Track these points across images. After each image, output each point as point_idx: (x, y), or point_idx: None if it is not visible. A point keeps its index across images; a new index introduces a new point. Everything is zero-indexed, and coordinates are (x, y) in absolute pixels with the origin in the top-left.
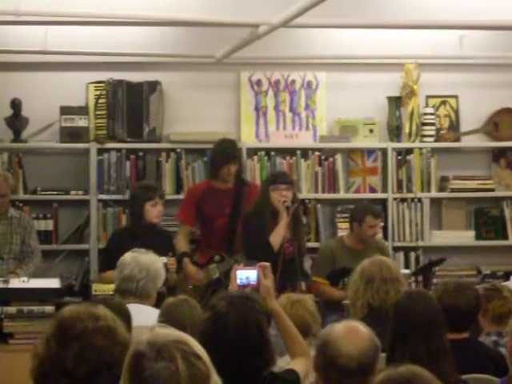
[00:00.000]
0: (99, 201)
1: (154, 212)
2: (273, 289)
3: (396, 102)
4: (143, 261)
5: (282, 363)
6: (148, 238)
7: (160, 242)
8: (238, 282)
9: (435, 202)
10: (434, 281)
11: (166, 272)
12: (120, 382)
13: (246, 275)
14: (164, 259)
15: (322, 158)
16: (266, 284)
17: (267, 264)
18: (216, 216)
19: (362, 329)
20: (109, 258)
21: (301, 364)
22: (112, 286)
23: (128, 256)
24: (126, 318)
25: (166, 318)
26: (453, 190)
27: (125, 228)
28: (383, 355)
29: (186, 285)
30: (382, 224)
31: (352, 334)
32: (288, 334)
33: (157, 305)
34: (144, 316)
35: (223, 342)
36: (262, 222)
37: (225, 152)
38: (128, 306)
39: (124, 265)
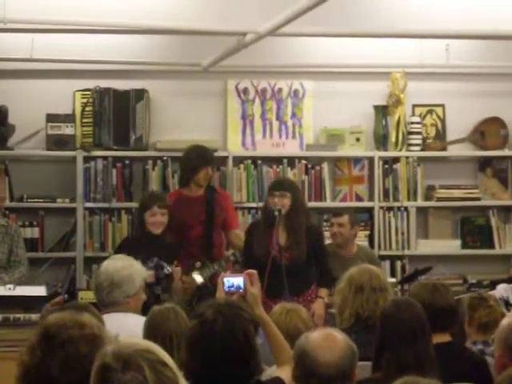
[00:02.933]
0: (85, 209)
1: (150, 221)
2: (260, 296)
3: (382, 111)
4: (110, 269)
5: (271, 372)
6: (153, 248)
7: (165, 253)
8: (225, 289)
9: (421, 211)
10: None
11: (171, 282)
12: None
13: (232, 282)
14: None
15: (309, 166)
16: (252, 291)
17: (254, 271)
18: (192, 225)
19: (338, 335)
20: None
21: (287, 372)
22: None
23: (102, 265)
24: (99, 320)
25: (152, 327)
26: (439, 199)
27: (133, 236)
28: (369, 363)
29: (169, 295)
30: (368, 232)
31: (329, 341)
32: (275, 341)
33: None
34: (125, 325)
35: (210, 350)
36: (254, 231)
37: (203, 155)
38: (109, 315)
39: (96, 275)
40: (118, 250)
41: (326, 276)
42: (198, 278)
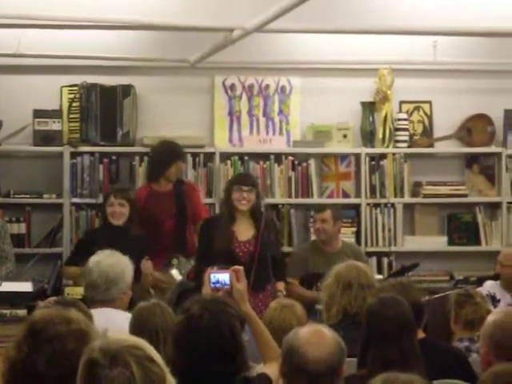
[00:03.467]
0: (72, 204)
1: (108, 211)
2: (246, 292)
3: (370, 108)
4: (103, 266)
5: (259, 369)
6: (117, 241)
7: (130, 246)
8: (211, 285)
9: (408, 208)
10: None
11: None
12: None
13: (218, 278)
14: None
15: (296, 162)
16: (239, 287)
17: (240, 267)
18: (164, 219)
19: (326, 332)
20: (74, 255)
21: (274, 368)
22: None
23: (92, 261)
24: (88, 317)
25: (139, 323)
26: (426, 196)
27: (96, 229)
28: (354, 360)
29: (146, 291)
30: (355, 229)
31: (317, 337)
32: (261, 338)
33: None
34: (115, 320)
35: (196, 346)
36: (212, 226)
37: (174, 149)
38: (100, 310)
39: (88, 271)
40: (82, 240)
41: (281, 268)
42: (177, 275)
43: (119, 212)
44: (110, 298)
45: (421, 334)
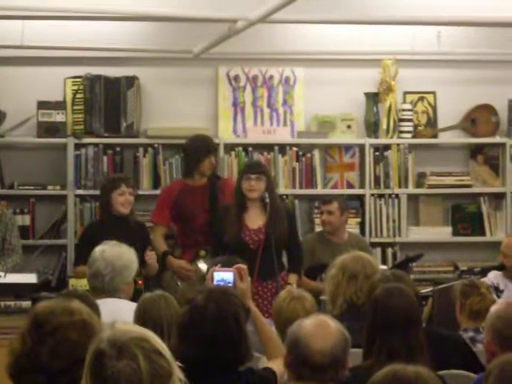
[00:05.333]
0: (76, 196)
1: (120, 200)
2: (249, 291)
3: (374, 98)
4: (109, 256)
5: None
6: (120, 230)
7: (133, 234)
8: (215, 283)
9: (412, 198)
10: (411, 277)
11: (144, 265)
12: (82, 382)
13: (222, 277)
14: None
15: (300, 153)
16: (242, 286)
17: (244, 266)
18: (197, 213)
19: (331, 323)
20: (81, 253)
21: (277, 364)
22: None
23: (97, 251)
24: (95, 309)
25: (143, 314)
26: (430, 186)
27: (97, 221)
28: (360, 350)
29: (175, 283)
30: (359, 220)
31: (322, 329)
32: (265, 335)
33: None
34: (121, 311)
35: (201, 335)
36: (224, 213)
37: (206, 144)
38: (104, 301)
39: (93, 261)
40: (83, 237)
41: (297, 261)
42: (203, 267)
43: (129, 200)
44: (114, 287)
45: None
